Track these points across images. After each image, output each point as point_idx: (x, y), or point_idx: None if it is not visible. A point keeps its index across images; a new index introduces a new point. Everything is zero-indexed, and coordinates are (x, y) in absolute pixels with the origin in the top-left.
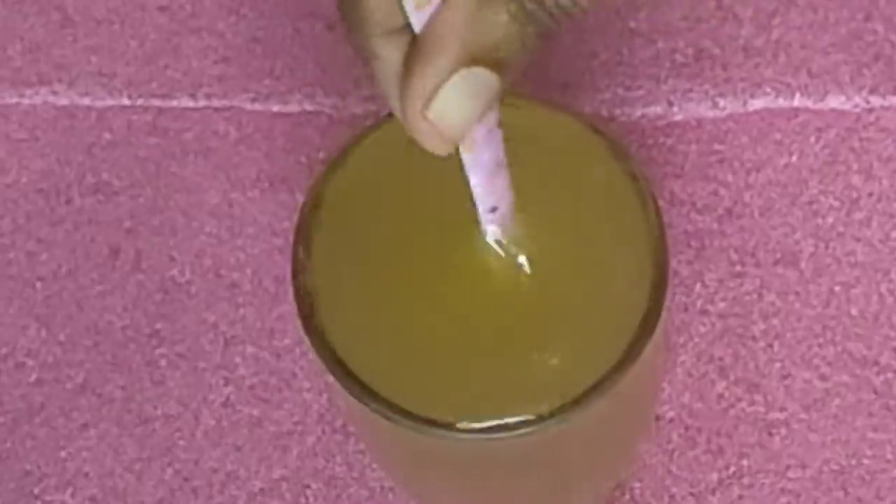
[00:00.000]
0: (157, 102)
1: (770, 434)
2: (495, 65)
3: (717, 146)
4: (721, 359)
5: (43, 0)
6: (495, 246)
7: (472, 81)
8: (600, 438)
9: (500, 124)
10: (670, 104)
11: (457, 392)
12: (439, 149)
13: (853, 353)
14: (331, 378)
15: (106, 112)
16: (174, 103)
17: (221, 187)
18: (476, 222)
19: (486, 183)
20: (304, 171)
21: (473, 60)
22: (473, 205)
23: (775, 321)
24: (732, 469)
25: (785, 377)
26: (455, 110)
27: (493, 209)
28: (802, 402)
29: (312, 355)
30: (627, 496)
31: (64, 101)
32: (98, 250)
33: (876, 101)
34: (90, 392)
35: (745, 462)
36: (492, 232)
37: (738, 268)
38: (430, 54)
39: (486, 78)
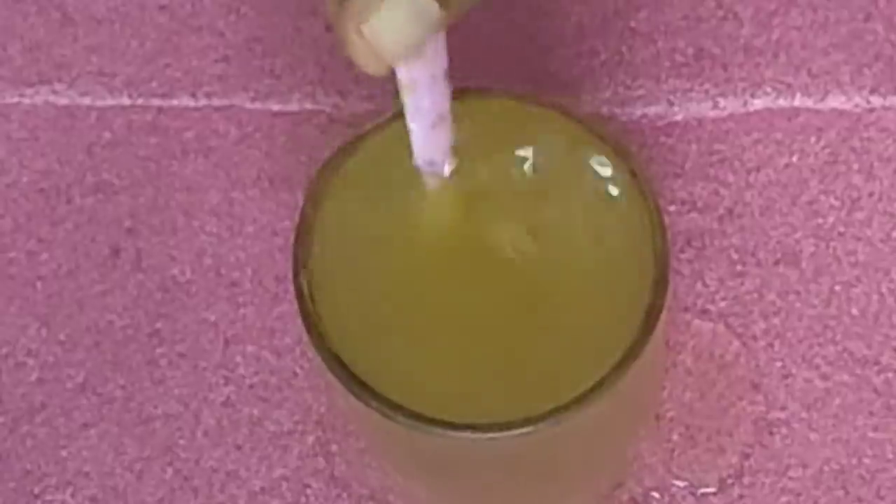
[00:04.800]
0: (157, 102)
1: (771, 433)
2: None
3: (717, 146)
4: (721, 358)
5: (43, 0)
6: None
7: (411, 4)
8: (600, 438)
9: (447, 76)
10: (671, 104)
11: (457, 392)
12: (372, 68)
13: (854, 352)
14: (331, 378)
15: (106, 112)
16: (174, 102)
17: (222, 186)
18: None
19: (424, 133)
20: (304, 170)
21: None
22: (411, 151)
23: (776, 320)
24: (733, 468)
25: (785, 376)
26: (391, 30)
27: (431, 162)
28: (803, 401)
29: (312, 355)
30: (627, 496)
31: (64, 101)
32: (98, 250)
33: (876, 100)
34: (90, 392)
35: (745, 461)
36: (428, 181)
37: (739, 267)
38: None
39: (425, 4)
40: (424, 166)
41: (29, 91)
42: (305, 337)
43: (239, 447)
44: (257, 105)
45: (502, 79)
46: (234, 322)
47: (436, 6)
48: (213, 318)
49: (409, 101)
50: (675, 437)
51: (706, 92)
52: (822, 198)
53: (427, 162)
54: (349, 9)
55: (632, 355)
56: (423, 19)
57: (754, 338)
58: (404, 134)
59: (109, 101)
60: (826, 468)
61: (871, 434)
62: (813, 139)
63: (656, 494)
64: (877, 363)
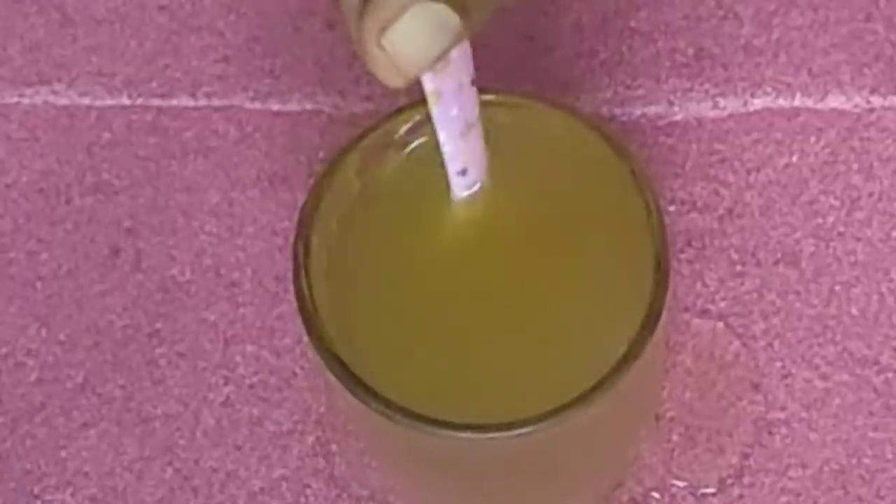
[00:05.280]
0: (157, 102)
1: (770, 433)
2: (458, 6)
3: (717, 146)
4: (721, 358)
5: (43, 0)
6: (463, 207)
7: (431, 16)
8: (600, 438)
9: (474, 83)
10: (671, 103)
11: (457, 392)
12: (393, 81)
13: (853, 352)
14: (331, 378)
15: (106, 112)
16: (174, 102)
17: (221, 186)
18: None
19: (455, 142)
20: (304, 170)
21: None
22: (443, 165)
23: (776, 321)
24: (733, 468)
25: (785, 376)
26: (411, 42)
27: (463, 171)
28: (803, 401)
29: (312, 355)
30: (627, 496)
31: (64, 101)
32: (98, 250)
33: (876, 100)
34: (90, 392)
35: (745, 461)
36: (461, 196)
37: (739, 267)
38: None
39: (446, 16)
40: (455, 176)
41: (29, 91)
42: (305, 337)
43: (239, 447)
44: (257, 105)
45: (502, 79)
46: (234, 322)
47: (456, 18)
48: (212, 318)
49: (435, 110)
50: (675, 437)
51: (706, 92)
52: (822, 198)
53: (459, 171)
54: (369, 22)
55: (632, 355)
56: (444, 31)
57: (754, 338)
58: (404, 133)
59: (109, 101)
60: (826, 468)
61: (871, 434)
62: (813, 139)
63: (656, 494)
64: (877, 363)
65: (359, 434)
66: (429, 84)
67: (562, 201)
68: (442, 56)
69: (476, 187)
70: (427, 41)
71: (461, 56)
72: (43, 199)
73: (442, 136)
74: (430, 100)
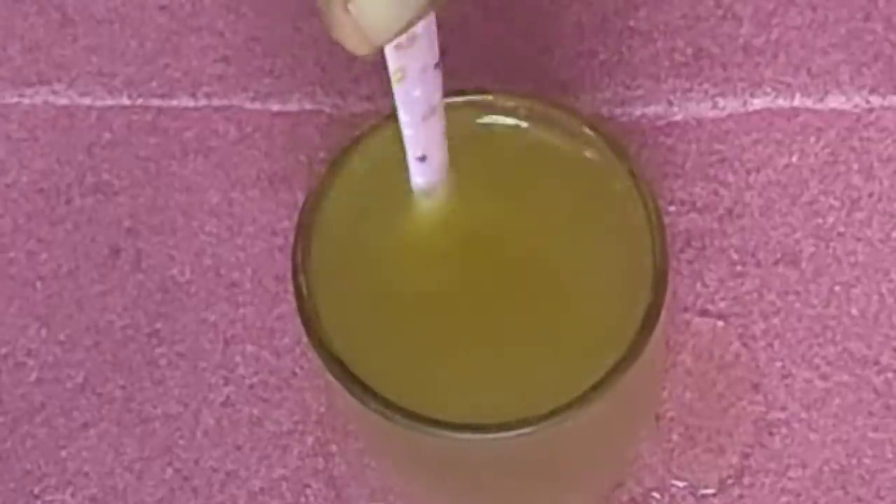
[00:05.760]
0: (157, 102)
1: (770, 433)
2: None
3: (717, 146)
4: (721, 358)
5: (43, 0)
6: (421, 199)
7: None
8: (600, 438)
9: (440, 67)
10: (670, 104)
11: (457, 392)
12: (358, 49)
13: (854, 352)
14: (331, 378)
15: (106, 112)
16: (174, 103)
17: (221, 186)
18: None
19: (416, 125)
20: (304, 170)
21: None
22: (403, 149)
23: (775, 321)
24: (733, 468)
25: (785, 377)
26: (378, 9)
27: (423, 157)
28: (803, 401)
29: (312, 355)
30: (627, 496)
31: (64, 101)
32: (98, 250)
33: (876, 100)
34: (90, 392)
35: (745, 461)
36: (419, 184)
37: (739, 268)
38: None
39: None
40: (414, 161)
41: (29, 91)
42: (305, 337)
43: (239, 447)
44: (257, 105)
45: (502, 79)
46: (234, 322)
47: None
48: (212, 318)
49: (399, 90)
50: (675, 437)
51: (706, 92)
52: (822, 198)
53: (419, 157)
54: None
55: (632, 355)
56: (411, 1)
57: (754, 338)
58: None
59: (109, 101)
60: (826, 468)
61: (871, 434)
62: (813, 139)
63: (656, 494)
64: (877, 363)
65: (358, 434)
66: (393, 61)
67: (561, 201)
68: (408, 26)
69: (436, 179)
70: (394, 8)
71: (427, 35)
72: (43, 199)
73: (403, 118)
74: (394, 78)
